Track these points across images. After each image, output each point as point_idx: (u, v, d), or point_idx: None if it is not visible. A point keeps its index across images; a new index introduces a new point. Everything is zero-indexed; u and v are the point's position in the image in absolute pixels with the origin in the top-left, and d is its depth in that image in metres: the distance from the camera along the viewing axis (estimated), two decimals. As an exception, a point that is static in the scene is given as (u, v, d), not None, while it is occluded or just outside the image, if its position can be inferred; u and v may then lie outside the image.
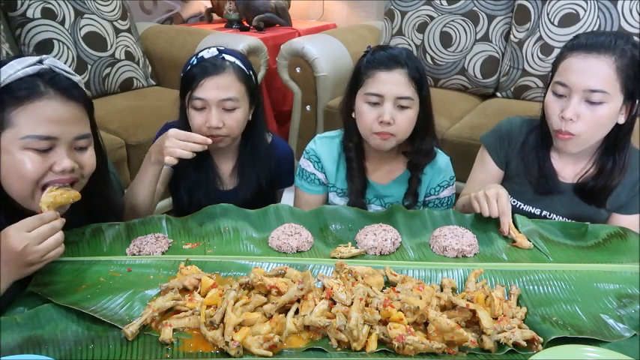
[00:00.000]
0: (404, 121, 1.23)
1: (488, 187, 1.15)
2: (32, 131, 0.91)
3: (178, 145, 1.16)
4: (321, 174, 1.38)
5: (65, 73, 0.97)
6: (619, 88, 1.11)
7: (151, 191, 1.26)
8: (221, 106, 1.26)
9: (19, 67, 0.92)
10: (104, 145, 1.14)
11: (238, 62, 1.29)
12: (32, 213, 0.93)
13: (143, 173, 1.25)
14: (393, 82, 1.21)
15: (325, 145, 1.38)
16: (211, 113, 1.25)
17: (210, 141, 1.20)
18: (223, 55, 1.28)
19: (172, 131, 1.18)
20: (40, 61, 0.95)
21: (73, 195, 0.97)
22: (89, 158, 1.01)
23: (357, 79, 1.27)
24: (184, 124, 1.32)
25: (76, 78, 1.00)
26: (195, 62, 1.28)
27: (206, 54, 1.28)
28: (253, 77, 1.34)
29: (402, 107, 1.22)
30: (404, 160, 1.36)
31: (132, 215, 1.25)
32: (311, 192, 1.40)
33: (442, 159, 1.37)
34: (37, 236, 0.87)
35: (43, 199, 0.93)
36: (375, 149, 1.30)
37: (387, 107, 1.21)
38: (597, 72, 1.10)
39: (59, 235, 0.90)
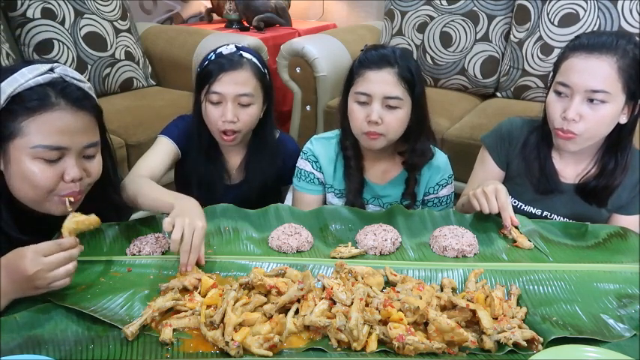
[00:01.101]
0: (393, 121, 1.22)
1: (486, 184, 1.15)
2: (42, 141, 0.91)
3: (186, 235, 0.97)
4: (320, 174, 1.38)
5: (76, 82, 0.97)
6: (621, 88, 1.11)
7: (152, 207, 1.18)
8: (237, 101, 1.28)
9: (30, 76, 0.92)
10: (114, 149, 1.14)
11: (255, 60, 1.32)
12: (40, 214, 0.94)
13: (160, 200, 1.11)
14: (380, 82, 1.20)
15: (322, 146, 1.38)
16: (227, 108, 1.27)
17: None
18: (241, 51, 1.31)
19: (199, 225, 0.99)
20: (52, 69, 0.95)
21: (93, 222, 0.95)
22: (96, 165, 1.01)
23: (349, 78, 1.27)
24: (198, 117, 1.33)
25: (86, 85, 1.00)
26: (213, 58, 1.30)
27: (224, 50, 1.31)
28: (268, 75, 1.36)
29: (391, 107, 1.21)
30: (398, 162, 1.35)
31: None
32: (310, 192, 1.39)
33: (440, 158, 1.37)
34: (51, 263, 0.85)
35: (65, 224, 0.92)
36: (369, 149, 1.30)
37: (375, 107, 1.20)
38: (599, 72, 1.10)
39: (71, 266, 0.87)
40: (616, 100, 1.11)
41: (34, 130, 0.91)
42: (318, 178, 1.38)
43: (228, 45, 1.32)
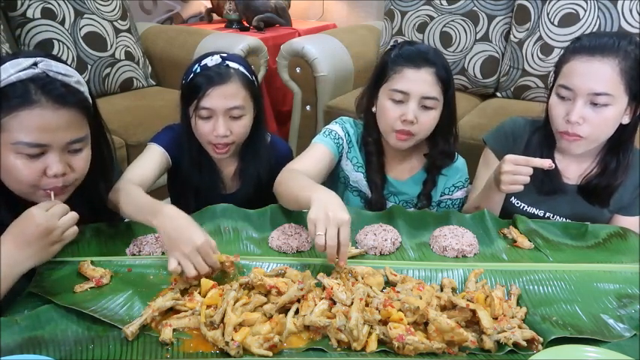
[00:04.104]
0: (426, 122, 1.22)
1: (494, 174, 1.16)
2: (23, 138, 0.91)
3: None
4: (345, 141, 1.36)
5: (60, 76, 0.95)
6: (623, 90, 1.10)
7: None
8: (228, 114, 1.25)
9: (12, 71, 0.90)
10: (112, 139, 1.13)
11: (242, 69, 1.27)
12: (33, 203, 0.94)
13: (146, 221, 1.04)
14: (420, 81, 1.19)
15: (351, 125, 1.38)
16: (219, 122, 1.24)
17: None
18: (227, 62, 1.26)
19: (199, 243, 0.93)
20: (35, 64, 0.93)
21: None
22: (82, 160, 1.00)
23: (382, 73, 1.25)
24: (187, 130, 1.30)
25: (73, 79, 0.97)
26: (198, 70, 1.25)
27: (209, 62, 1.25)
28: (255, 81, 1.33)
29: (426, 107, 1.21)
30: (422, 160, 1.35)
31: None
32: (327, 145, 1.32)
33: (459, 160, 1.38)
34: (56, 213, 0.91)
35: None
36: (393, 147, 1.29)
37: (412, 106, 1.19)
38: (601, 75, 1.10)
39: (74, 214, 0.94)
40: (619, 101, 1.11)
41: (15, 127, 0.90)
42: (341, 138, 1.35)
43: (212, 56, 1.27)
